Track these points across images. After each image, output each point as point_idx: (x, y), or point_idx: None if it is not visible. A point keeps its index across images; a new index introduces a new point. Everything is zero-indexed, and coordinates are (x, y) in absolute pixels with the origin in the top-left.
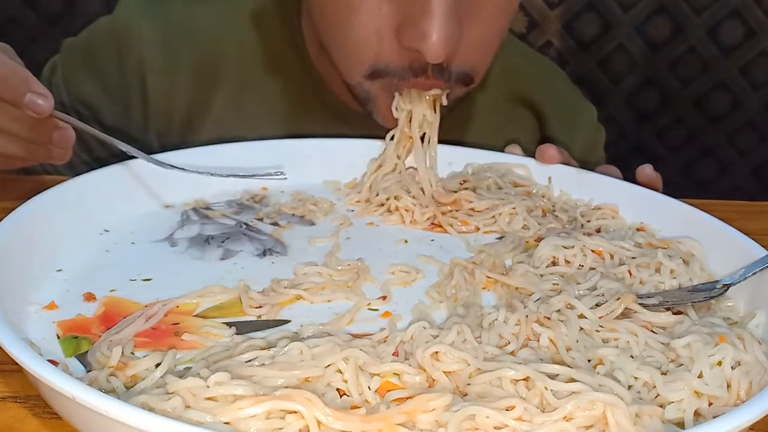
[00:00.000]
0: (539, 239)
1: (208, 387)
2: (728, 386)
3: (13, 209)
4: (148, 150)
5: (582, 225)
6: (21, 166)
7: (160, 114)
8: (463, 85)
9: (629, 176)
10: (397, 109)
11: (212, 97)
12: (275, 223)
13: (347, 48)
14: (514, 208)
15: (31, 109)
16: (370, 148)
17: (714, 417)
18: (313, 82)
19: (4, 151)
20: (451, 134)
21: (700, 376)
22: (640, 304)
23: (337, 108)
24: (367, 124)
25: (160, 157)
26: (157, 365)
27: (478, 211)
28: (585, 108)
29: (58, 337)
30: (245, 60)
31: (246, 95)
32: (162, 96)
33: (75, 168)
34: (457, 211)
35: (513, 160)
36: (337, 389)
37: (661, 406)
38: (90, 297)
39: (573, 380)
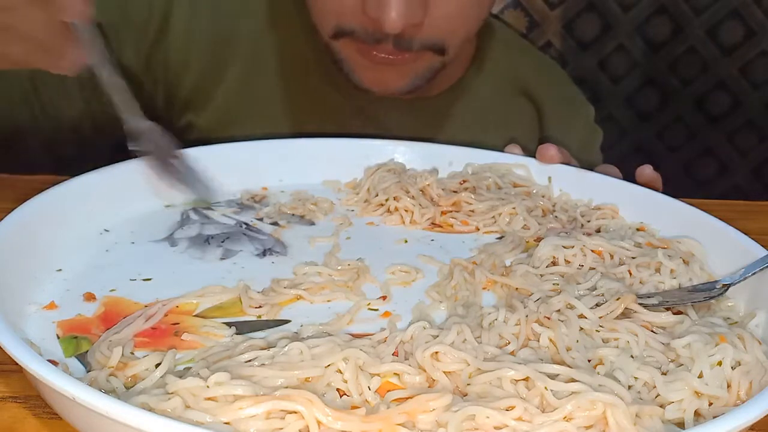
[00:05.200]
0: (539, 239)
1: (208, 387)
2: (728, 386)
3: (13, 209)
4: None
5: (582, 225)
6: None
7: (171, 82)
8: (435, 53)
9: (629, 176)
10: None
11: (223, 73)
12: (275, 223)
13: (316, 8)
14: (514, 208)
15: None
16: (370, 148)
17: (714, 417)
18: (310, 44)
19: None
20: (455, 125)
21: (700, 376)
22: (640, 304)
23: (329, 73)
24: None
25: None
26: (157, 365)
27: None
28: (583, 106)
29: (58, 337)
30: (242, 18)
31: (255, 74)
32: (179, 64)
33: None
34: (457, 212)
35: (513, 160)
36: (337, 389)
37: (661, 406)
38: (90, 297)
39: (573, 380)
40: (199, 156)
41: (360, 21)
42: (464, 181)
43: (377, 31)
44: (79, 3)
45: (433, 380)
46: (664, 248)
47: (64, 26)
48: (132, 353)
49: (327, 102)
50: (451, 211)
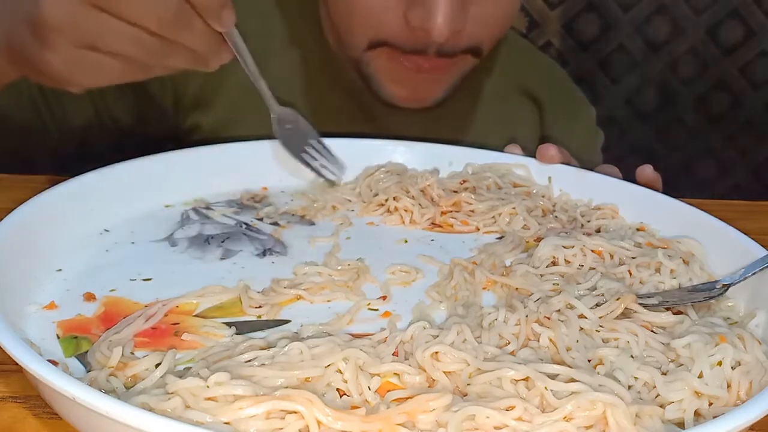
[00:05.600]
0: (539, 239)
1: (207, 387)
2: (728, 386)
3: (13, 209)
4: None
5: (582, 225)
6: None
7: (178, 83)
8: (471, 55)
9: (629, 176)
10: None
11: (230, 75)
12: (275, 223)
13: (352, 19)
14: (514, 208)
15: (221, 22)
16: (371, 147)
17: (714, 417)
18: (327, 61)
19: (176, 64)
20: (458, 122)
21: (700, 376)
22: (640, 304)
23: (350, 87)
24: (376, 102)
25: (158, 157)
26: (157, 365)
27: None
28: (585, 107)
29: (58, 337)
30: (265, 38)
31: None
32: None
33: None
34: (457, 212)
35: (513, 160)
36: (337, 389)
37: (661, 406)
38: (90, 297)
39: (573, 380)
40: (200, 155)
41: (401, 32)
42: (464, 181)
43: (420, 41)
44: (232, 15)
45: (433, 380)
46: (664, 248)
47: (216, 33)
48: (132, 353)
49: (335, 106)
50: (451, 211)
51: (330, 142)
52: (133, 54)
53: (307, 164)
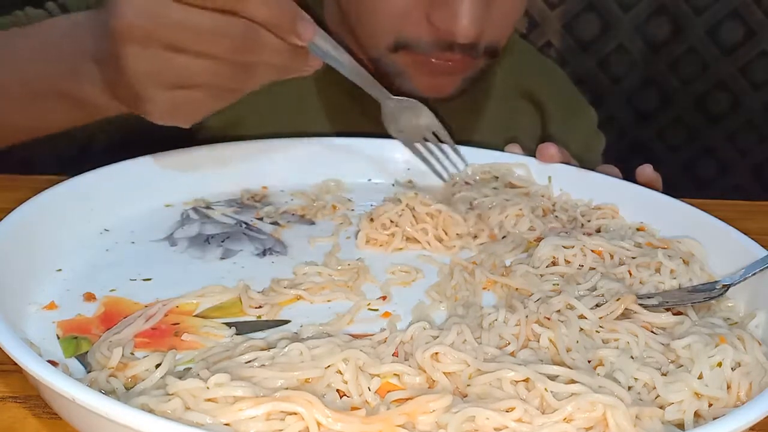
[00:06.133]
0: (539, 239)
1: (208, 388)
2: (728, 387)
3: (13, 209)
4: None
5: (582, 225)
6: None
7: None
8: (489, 57)
9: (629, 176)
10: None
11: None
12: (275, 223)
13: (374, 21)
14: (520, 209)
15: (299, 36)
16: (372, 147)
17: (714, 418)
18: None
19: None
20: (460, 123)
21: (700, 377)
22: (640, 304)
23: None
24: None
25: (158, 156)
26: (157, 366)
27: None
28: (586, 109)
29: (58, 338)
30: None
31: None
32: None
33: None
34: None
35: (513, 160)
36: (337, 390)
37: (661, 408)
38: (90, 297)
39: (573, 381)
40: (200, 155)
41: (425, 32)
42: (467, 183)
43: (443, 42)
44: (309, 26)
45: (433, 381)
46: (664, 248)
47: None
48: (132, 354)
49: (345, 106)
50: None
51: (330, 141)
52: (217, 83)
53: (422, 157)
